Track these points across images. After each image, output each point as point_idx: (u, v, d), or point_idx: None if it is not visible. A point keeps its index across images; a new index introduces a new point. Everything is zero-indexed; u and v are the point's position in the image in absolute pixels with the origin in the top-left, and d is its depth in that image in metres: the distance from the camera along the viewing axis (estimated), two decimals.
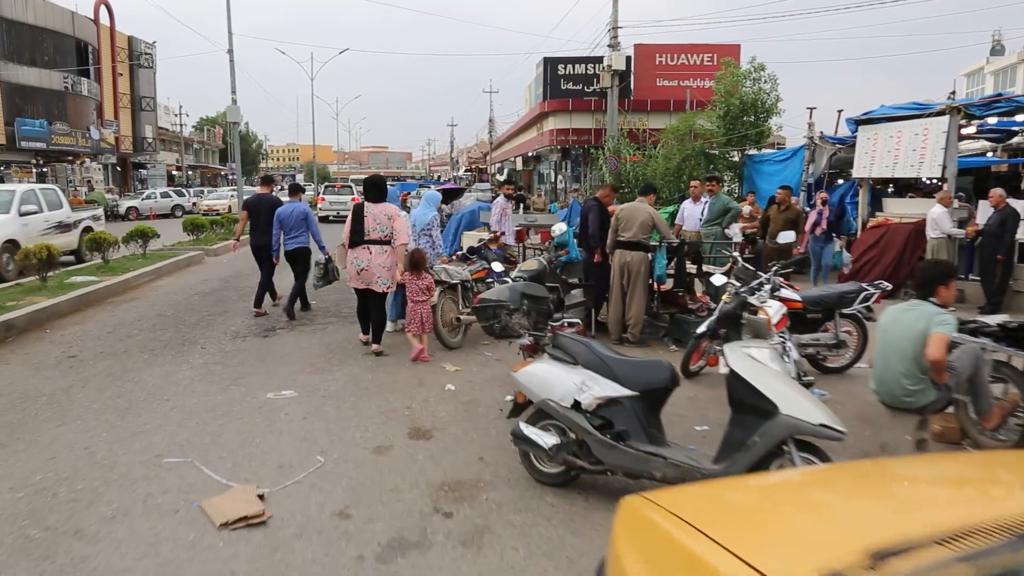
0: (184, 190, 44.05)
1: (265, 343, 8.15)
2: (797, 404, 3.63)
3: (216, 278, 13.34)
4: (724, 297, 6.51)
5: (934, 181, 18.04)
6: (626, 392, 4.02)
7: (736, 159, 21.48)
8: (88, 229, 15.67)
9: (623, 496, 2.36)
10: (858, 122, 14.08)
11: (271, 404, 5.94)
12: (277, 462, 4.72)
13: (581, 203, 24.44)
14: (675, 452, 3.94)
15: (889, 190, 17.66)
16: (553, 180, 34.09)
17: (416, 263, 7.23)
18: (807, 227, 10.75)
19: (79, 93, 44.39)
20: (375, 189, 7.42)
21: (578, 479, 4.32)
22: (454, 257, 8.97)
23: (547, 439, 4.12)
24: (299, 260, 9.68)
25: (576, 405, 4.08)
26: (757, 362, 3.78)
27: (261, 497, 4.17)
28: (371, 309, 7.59)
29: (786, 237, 7.67)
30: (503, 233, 10.57)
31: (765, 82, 20.47)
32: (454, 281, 7.85)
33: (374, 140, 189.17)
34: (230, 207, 37.44)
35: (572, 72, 28.32)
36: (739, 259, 7.05)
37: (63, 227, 14.93)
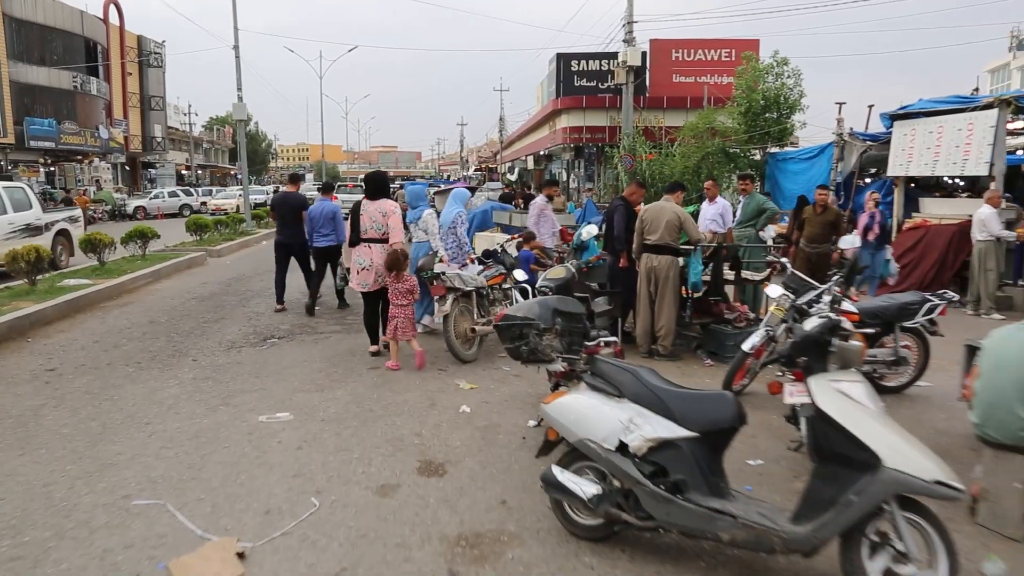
0: (192, 189, 43.52)
1: (261, 355, 7.44)
2: (905, 455, 2.88)
3: (216, 281, 12.67)
4: (774, 309, 5.75)
5: (955, 180, 17.22)
6: (684, 433, 3.28)
7: (758, 157, 20.67)
8: (63, 233, 14.12)
9: (676, 555, 1.59)
10: (893, 117, 13.26)
11: (263, 429, 5.23)
12: (264, 506, 4.00)
13: (596, 203, 23.70)
14: (745, 508, 3.19)
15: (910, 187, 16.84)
16: (566, 179, 33.29)
17: (395, 263, 6.69)
18: (859, 232, 9.92)
19: (88, 92, 43.96)
20: (374, 185, 7.10)
21: (621, 533, 3.59)
22: (468, 262, 8.26)
23: (586, 488, 3.38)
24: (327, 258, 9.75)
25: (622, 447, 3.34)
26: (852, 401, 3.03)
27: (241, 555, 3.45)
28: (382, 304, 7.16)
29: (850, 242, 6.89)
30: (520, 236, 9.83)
31: (788, 77, 19.65)
32: (468, 288, 7.13)
33: (384, 140, 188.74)
34: (238, 207, 36.89)
35: (586, 68, 27.55)
36: (788, 265, 6.27)
37: (31, 230, 13.15)
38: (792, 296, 5.57)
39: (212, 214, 30.96)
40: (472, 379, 6.54)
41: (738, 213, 9.74)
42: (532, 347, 3.90)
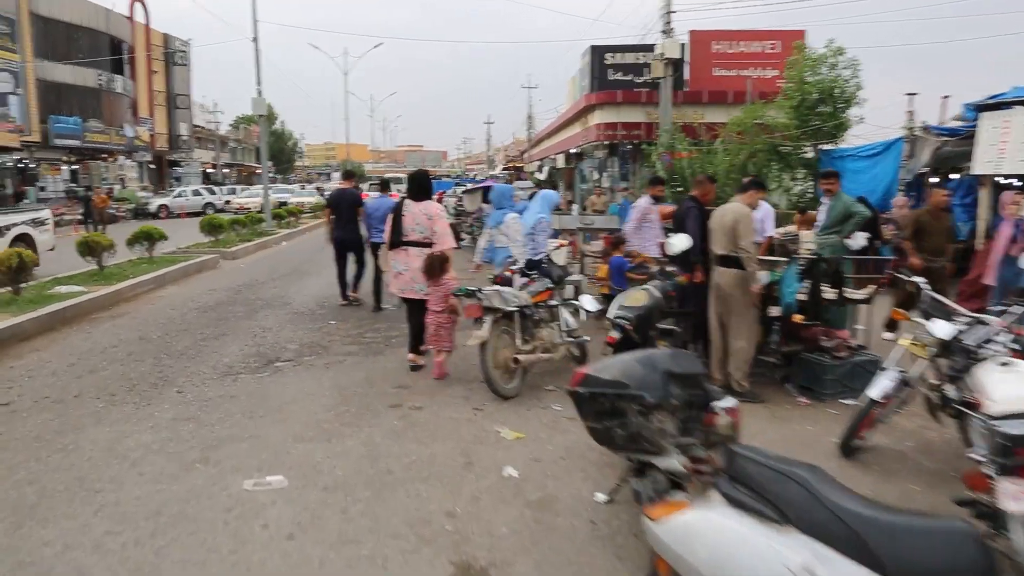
0: (216, 188, 42.72)
1: (261, 385, 6.18)
2: None
3: (226, 287, 11.48)
4: (909, 345, 4.35)
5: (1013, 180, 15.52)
6: None
7: (810, 155, 19.11)
8: (24, 237, 12.10)
9: None
10: (979, 108, 11.70)
11: (246, 502, 3.94)
12: None
13: (632, 203, 22.29)
14: None
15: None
16: (597, 178, 31.81)
17: (431, 269, 6.12)
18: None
19: (113, 90, 43.44)
20: (419, 185, 6.52)
21: None
22: (507, 273, 6.94)
23: None
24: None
25: None
26: None
27: None
28: (414, 316, 6.61)
29: None
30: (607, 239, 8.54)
31: (844, 68, 18.05)
32: (509, 308, 5.81)
33: (410, 139, 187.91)
34: (262, 206, 35.96)
35: (621, 62, 26.04)
36: (922, 285, 4.84)
37: None
38: (940, 328, 4.16)
39: (235, 213, 30.08)
40: (516, 424, 5.20)
41: (821, 217, 8.30)
42: (634, 431, 2.55)
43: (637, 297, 4.92)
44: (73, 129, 39.44)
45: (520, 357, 5.81)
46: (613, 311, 4.91)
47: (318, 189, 51.22)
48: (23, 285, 9.19)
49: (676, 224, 6.73)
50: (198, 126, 58.10)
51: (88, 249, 10.91)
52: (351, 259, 9.96)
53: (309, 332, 8.22)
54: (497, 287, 5.93)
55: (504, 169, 68.36)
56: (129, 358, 7.03)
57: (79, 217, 26.39)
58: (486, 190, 20.99)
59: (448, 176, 70.23)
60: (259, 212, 24.29)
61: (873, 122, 20.50)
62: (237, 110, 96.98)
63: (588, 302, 6.40)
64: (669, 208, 16.85)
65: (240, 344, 7.62)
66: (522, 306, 5.98)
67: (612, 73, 26.23)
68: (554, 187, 39.19)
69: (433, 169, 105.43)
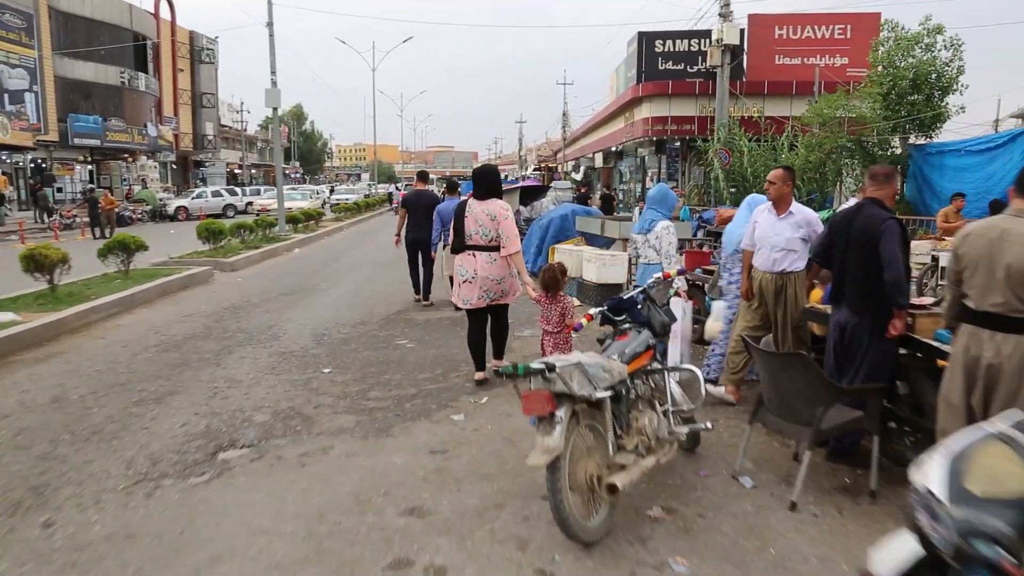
0: (237, 189, 40.82)
1: (186, 508, 3.73)
2: None
3: (207, 312, 9.17)
4: None
5: None
6: None
7: (899, 151, 16.35)
8: None
9: None
10: None
11: None
12: None
13: (688, 207, 19.67)
14: None
15: None
16: (641, 179, 29.19)
17: (553, 282, 5.27)
18: None
19: (136, 89, 41.82)
20: (485, 184, 5.90)
21: None
22: (583, 322, 4.47)
23: None
24: None
25: None
26: None
27: None
28: (491, 322, 6.04)
29: None
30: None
31: (942, 49, 15.27)
32: (600, 394, 3.33)
33: (440, 139, 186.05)
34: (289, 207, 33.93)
35: (672, 49, 23.42)
36: None
37: None
38: None
39: (257, 215, 28.09)
40: None
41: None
42: None
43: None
44: (93, 128, 37.83)
45: (617, 481, 3.32)
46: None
47: (332, 190, 49.11)
48: None
49: (854, 245, 4.21)
50: (225, 126, 56.57)
51: (34, 264, 8.64)
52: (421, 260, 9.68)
53: (291, 389, 5.82)
54: (579, 359, 3.42)
55: (536, 169, 65.93)
56: (11, 444, 4.67)
57: (88, 220, 24.48)
58: (524, 191, 18.65)
59: None
60: (267, 215, 22.26)
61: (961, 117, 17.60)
62: (267, 109, 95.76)
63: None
64: (728, 211, 14.31)
65: (188, 412, 5.24)
66: (615, 384, 3.50)
67: (662, 62, 23.61)
68: (589, 187, 36.61)
69: (463, 170, 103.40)
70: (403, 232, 9.71)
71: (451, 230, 5.99)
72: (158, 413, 5.23)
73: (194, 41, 49.75)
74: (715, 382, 5.64)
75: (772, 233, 5.20)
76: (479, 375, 5.93)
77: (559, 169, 53.32)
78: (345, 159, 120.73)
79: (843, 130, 15.85)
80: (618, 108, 26.81)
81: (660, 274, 4.56)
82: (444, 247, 8.84)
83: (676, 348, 5.76)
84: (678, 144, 24.07)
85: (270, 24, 19.04)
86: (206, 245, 14.30)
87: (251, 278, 12.43)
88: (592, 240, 11.97)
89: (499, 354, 6.13)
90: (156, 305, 9.68)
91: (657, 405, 3.98)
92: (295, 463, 4.33)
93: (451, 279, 8.42)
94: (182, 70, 48.27)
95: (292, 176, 64.58)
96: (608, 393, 3.37)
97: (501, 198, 5.97)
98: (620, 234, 10.03)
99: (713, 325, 5.98)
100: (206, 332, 7.96)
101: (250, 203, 38.62)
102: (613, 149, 31.12)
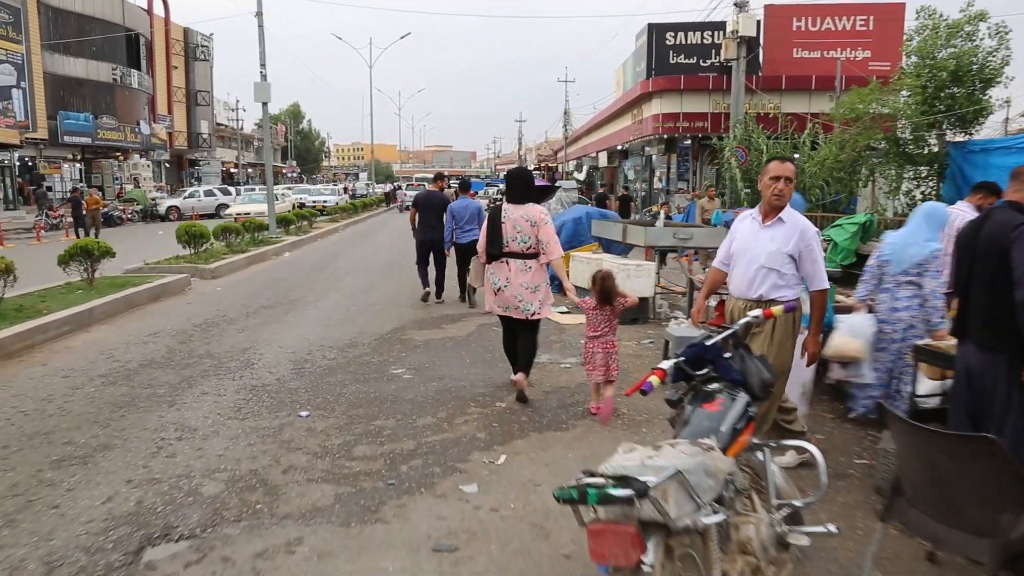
0: (231, 188, 39.54)
1: None
2: None
3: (175, 329, 7.92)
4: None
5: None
6: None
7: (936, 148, 15.09)
8: None
9: None
10: None
11: None
12: None
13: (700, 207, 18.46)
14: None
15: None
16: (648, 178, 27.93)
17: (609, 292, 5.02)
18: None
19: (128, 86, 40.54)
20: (521, 186, 5.45)
21: None
22: (654, 381, 3.23)
23: None
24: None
25: None
26: None
27: None
28: (518, 338, 5.48)
29: None
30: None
31: (986, 37, 14.01)
32: (704, 520, 2.10)
33: (438, 139, 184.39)
34: (292, 206, 32.46)
35: (684, 42, 22.12)
36: None
37: None
38: None
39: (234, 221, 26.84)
40: None
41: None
42: None
43: None
44: (84, 126, 36.54)
45: None
46: None
47: (345, 189, 47.83)
48: None
49: (980, 257, 3.02)
50: (221, 124, 55.27)
51: None
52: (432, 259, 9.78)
53: (257, 441, 4.58)
54: (649, 455, 2.17)
55: (536, 169, 64.73)
56: None
57: (73, 220, 23.21)
58: (537, 190, 17.25)
59: (478, 176, 66.67)
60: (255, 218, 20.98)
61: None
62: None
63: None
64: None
65: (118, 479, 4.00)
66: (722, 491, 2.27)
67: (674, 55, 22.34)
68: (591, 188, 35.42)
69: (461, 169, 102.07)
70: (415, 229, 9.85)
71: (482, 236, 5.52)
72: (79, 480, 3.99)
73: (189, 38, 48.48)
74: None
75: (753, 244, 3.86)
76: (518, 379, 5.44)
77: (559, 169, 52.03)
78: (343, 159, 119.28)
79: (877, 126, 14.61)
80: (625, 104, 25.53)
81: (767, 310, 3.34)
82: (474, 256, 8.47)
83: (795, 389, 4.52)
84: (689, 142, 22.82)
85: (259, 15, 17.76)
86: (187, 250, 13.04)
87: (233, 287, 11.17)
88: (608, 247, 10.77)
89: (525, 368, 5.46)
90: (118, 321, 8.42)
91: (759, 502, 2.74)
92: (247, 571, 3.09)
93: (472, 287, 8.42)
94: (176, 67, 46.97)
95: (289, 176, 63.30)
96: (719, 517, 2.14)
97: (539, 202, 5.55)
98: (647, 241, 8.79)
99: (848, 343, 4.69)
100: (167, 358, 6.70)
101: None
102: (619, 148, 29.85)
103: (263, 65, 17.85)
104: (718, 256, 4.16)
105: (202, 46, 49.45)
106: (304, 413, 5.10)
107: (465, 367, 6.42)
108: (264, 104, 17.90)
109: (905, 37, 14.91)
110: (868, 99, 14.68)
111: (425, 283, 9.78)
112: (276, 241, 16.87)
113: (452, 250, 9.59)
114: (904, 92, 15.17)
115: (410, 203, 10.11)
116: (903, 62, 14.81)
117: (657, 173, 26.16)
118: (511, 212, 5.32)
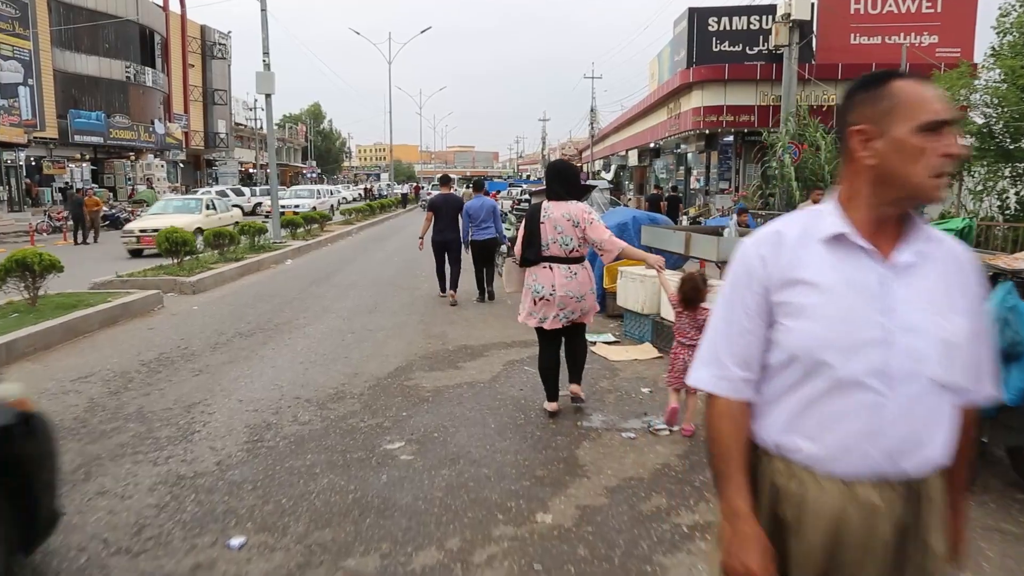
0: (245, 189, 38.01)
1: None
2: None
3: (116, 370, 6.07)
4: None
5: None
6: None
7: None
8: None
9: None
10: None
11: None
12: None
13: (749, 209, 16.40)
14: None
15: None
16: (683, 178, 25.81)
17: (692, 295, 4.56)
18: None
19: (143, 84, 39.22)
20: (560, 181, 4.84)
21: None
22: None
23: None
24: (488, 249, 9.41)
25: None
26: None
27: None
28: (566, 345, 4.93)
29: None
30: None
31: None
32: None
33: (460, 139, 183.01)
34: (314, 207, 30.72)
35: (728, 28, 20.04)
36: None
37: None
38: None
39: (266, 218, 25.24)
40: None
41: None
42: None
43: None
44: (95, 125, 35.22)
45: None
46: None
47: (367, 190, 46.40)
48: None
49: None
50: (239, 124, 53.97)
51: None
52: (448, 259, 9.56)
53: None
54: None
55: None
56: None
57: (73, 223, 21.69)
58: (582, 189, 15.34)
59: (500, 177, 64.81)
60: (295, 215, 19.17)
61: None
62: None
63: None
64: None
65: None
66: None
67: (717, 43, 20.23)
68: (619, 189, 33.37)
69: (483, 170, 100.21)
70: (429, 235, 9.61)
71: (521, 240, 4.90)
72: None
73: (206, 35, 47.16)
74: None
75: (883, 319, 1.37)
76: (551, 406, 4.91)
77: (585, 169, 50.02)
78: (366, 159, 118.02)
79: (964, 117, 12.48)
80: (660, 98, 23.42)
81: None
82: (504, 258, 8.08)
83: None
84: (731, 138, 20.71)
85: None
86: (168, 261, 11.27)
87: (212, 305, 9.35)
88: (675, 260, 8.83)
89: (576, 378, 5.00)
90: (52, 356, 6.61)
91: None
92: None
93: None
94: (193, 66, 45.68)
95: (308, 176, 61.90)
96: None
97: (581, 200, 4.92)
98: (719, 255, 6.81)
99: None
100: (80, 420, 4.85)
101: (259, 204, 35.75)
102: (651, 145, 27.75)
103: (266, 53, 16.09)
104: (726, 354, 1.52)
105: (220, 44, 48.12)
106: (236, 542, 3.19)
107: (489, 438, 4.52)
108: (267, 96, 16.11)
109: (999, 11, 12.74)
110: (958, 84, 12.53)
111: (443, 287, 9.63)
112: (278, 247, 15.08)
113: (468, 250, 9.45)
114: (992, 74, 13.04)
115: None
116: (998, 41, 12.65)
117: (695, 172, 24.05)
118: (551, 211, 4.69)
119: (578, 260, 4.72)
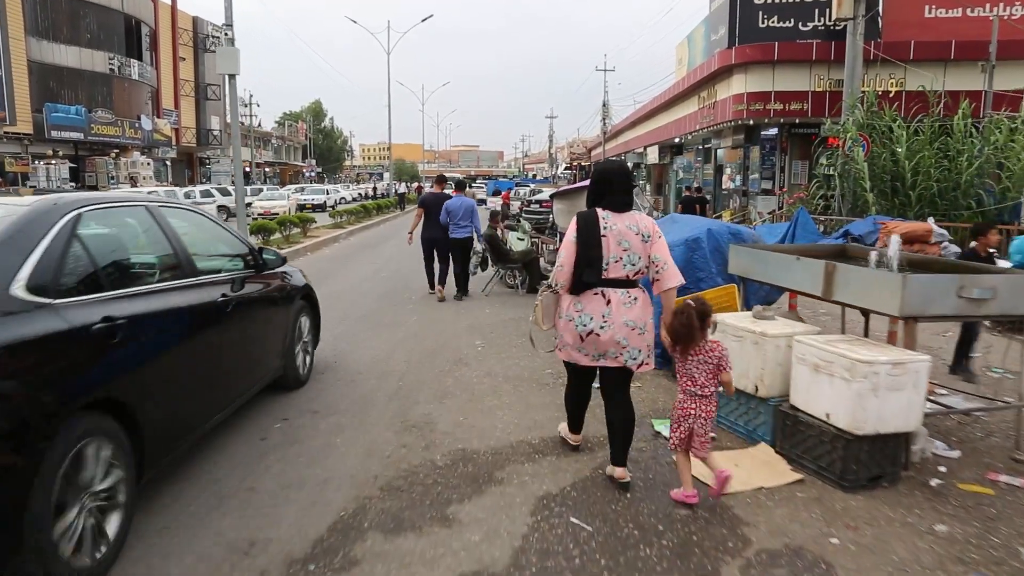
0: (230, 188, 34.95)
1: None
2: None
3: None
4: None
5: None
6: None
7: None
8: None
9: None
10: None
11: None
12: None
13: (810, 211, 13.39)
14: None
15: None
16: (711, 177, 22.80)
17: (684, 332, 3.45)
18: None
19: (128, 77, 36.32)
20: (619, 187, 3.65)
21: None
22: None
23: None
24: (463, 248, 9.52)
25: None
26: None
27: None
28: (611, 402, 3.73)
29: None
30: None
31: None
32: None
33: (464, 138, 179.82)
34: (289, 210, 28.12)
35: (778, 0, 17.00)
36: None
37: None
38: None
39: (257, 218, 22.53)
40: None
41: None
42: None
43: None
44: (75, 120, 32.38)
45: None
46: None
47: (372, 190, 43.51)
48: None
49: None
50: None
51: None
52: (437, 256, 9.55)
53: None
54: None
55: (567, 168, 59.93)
56: None
57: None
58: (582, 191, 12.52)
59: (505, 176, 62.03)
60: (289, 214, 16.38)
61: None
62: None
63: None
64: (908, 225, 8.53)
65: None
66: None
67: (765, 17, 17.15)
68: (696, 189, 30.46)
69: (488, 169, 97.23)
70: (418, 231, 9.68)
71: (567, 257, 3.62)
72: None
73: (198, 27, 44.26)
74: None
75: None
76: (574, 439, 4.12)
77: (592, 168, 47.12)
78: (369, 158, 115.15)
79: None
80: (691, 86, 20.37)
81: None
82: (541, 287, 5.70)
83: None
84: (775, 131, 17.67)
85: None
86: None
87: None
88: (751, 289, 5.98)
89: (621, 456, 3.62)
90: None
91: None
92: None
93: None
94: (184, 59, 42.80)
95: (308, 175, 59.08)
96: None
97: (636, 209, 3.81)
98: (903, 306, 3.80)
99: None
100: None
101: (249, 204, 33.00)
102: (677, 140, 24.66)
103: (229, 25, 13.11)
104: None
105: (213, 36, 45.16)
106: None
107: None
108: (231, 76, 13.16)
109: None
110: None
111: (432, 283, 9.65)
112: None
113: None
114: None
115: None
116: None
117: (727, 170, 21.01)
118: (614, 223, 3.54)
119: (635, 284, 3.68)
